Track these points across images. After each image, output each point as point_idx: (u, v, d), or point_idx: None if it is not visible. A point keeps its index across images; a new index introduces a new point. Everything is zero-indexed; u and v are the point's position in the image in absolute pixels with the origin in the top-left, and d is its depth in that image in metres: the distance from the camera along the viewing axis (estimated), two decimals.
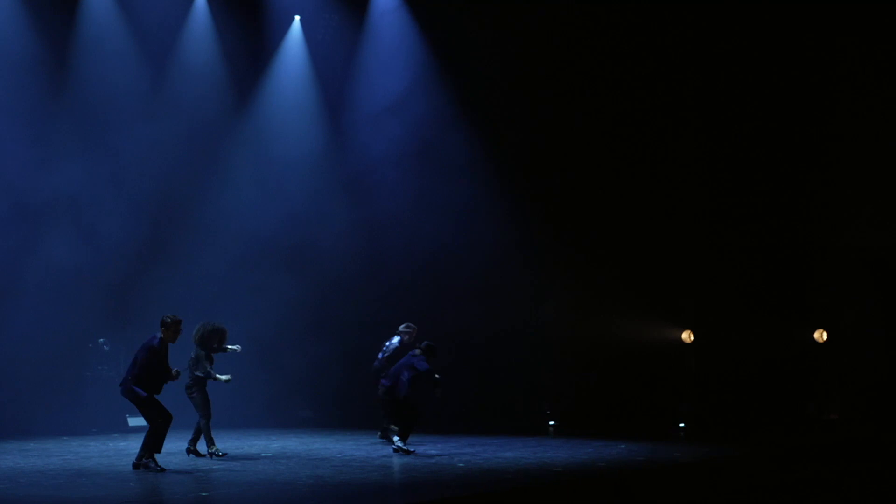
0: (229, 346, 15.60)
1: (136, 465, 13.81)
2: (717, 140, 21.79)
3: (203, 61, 21.41)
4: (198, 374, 15.10)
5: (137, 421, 19.25)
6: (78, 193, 20.07)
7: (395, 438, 15.90)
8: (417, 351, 16.22)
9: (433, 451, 16.29)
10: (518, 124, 22.16)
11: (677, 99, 21.71)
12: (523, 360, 21.99)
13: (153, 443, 13.83)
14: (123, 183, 20.57)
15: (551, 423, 21.39)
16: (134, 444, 15.58)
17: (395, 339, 17.59)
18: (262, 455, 15.96)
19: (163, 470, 13.61)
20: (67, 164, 19.91)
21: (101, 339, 20.30)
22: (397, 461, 15.16)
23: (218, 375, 15.19)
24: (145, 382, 13.89)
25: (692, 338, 21.88)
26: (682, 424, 20.80)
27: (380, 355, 17.68)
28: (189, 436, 15.54)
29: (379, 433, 17.73)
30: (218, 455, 15.17)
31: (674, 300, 22.13)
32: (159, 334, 14.06)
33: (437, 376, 15.97)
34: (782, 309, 21.82)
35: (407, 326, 17.54)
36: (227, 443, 17.01)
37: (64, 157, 19.96)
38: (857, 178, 21.26)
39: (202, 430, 15.34)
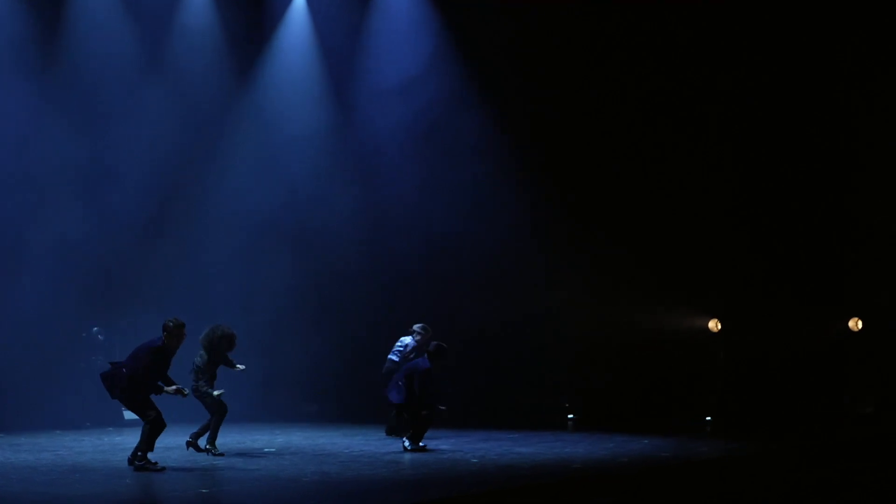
0: (238, 365, 15.50)
1: (130, 461, 13.81)
2: (747, 117, 21.67)
3: (201, 33, 21.36)
4: (199, 385, 15.10)
5: (133, 414, 19.26)
6: (67, 174, 20.03)
7: (406, 443, 15.78)
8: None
9: (445, 447, 16.29)
10: (533, 101, 22.04)
11: (703, 75, 21.58)
12: (539, 351, 21.92)
13: (146, 440, 13.78)
14: (116, 163, 20.52)
15: (570, 416, 21.38)
16: (130, 439, 15.60)
17: (409, 339, 17.59)
18: (266, 450, 15.98)
19: (162, 469, 13.60)
20: (57, 143, 19.88)
21: (95, 329, 20.29)
22: (408, 457, 15.16)
23: (211, 391, 15.16)
24: (141, 383, 13.82)
25: (719, 327, 21.82)
26: (708, 418, 20.77)
27: (392, 356, 17.61)
28: (193, 430, 15.50)
29: (385, 429, 17.73)
30: (214, 454, 15.15)
31: (700, 286, 22.01)
32: (162, 337, 13.96)
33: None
34: (815, 296, 21.72)
35: (423, 328, 17.51)
36: (228, 437, 17.01)
37: (53, 136, 19.91)
38: (892, 159, 21.15)
39: (210, 427, 15.30)
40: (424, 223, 22.09)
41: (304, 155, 22.22)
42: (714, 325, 21.86)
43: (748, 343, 21.68)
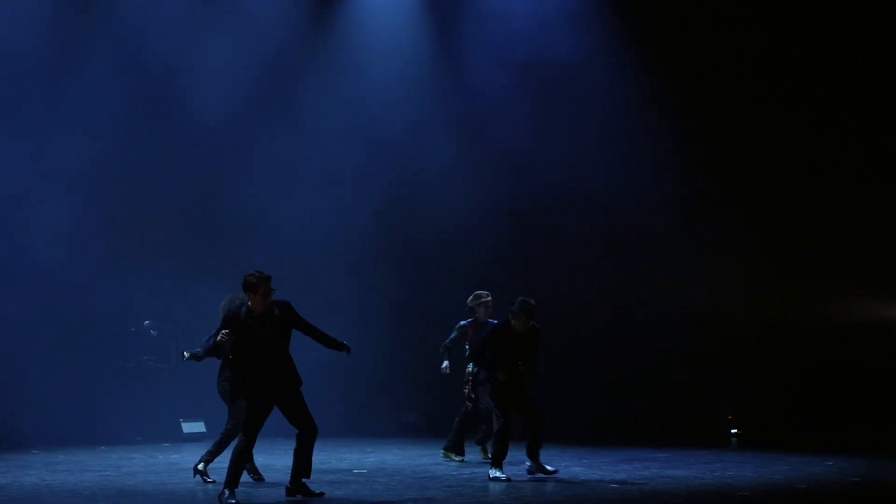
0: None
1: (290, 492, 13.61)
2: None
3: None
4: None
5: (192, 427, 19.39)
6: (111, 133, 20.36)
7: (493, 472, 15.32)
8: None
9: (577, 469, 16.21)
10: (693, 37, 21.96)
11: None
12: (690, 349, 21.89)
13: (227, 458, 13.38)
14: (171, 117, 20.84)
15: (734, 431, 21.36)
16: (189, 457, 15.74)
17: (463, 322, 17.31)
18: (355, 472, 16.05)
19: None
20: (98, 99, 20.23)
21: (147, 322, 20.51)
22: (532, 483, 14.99)
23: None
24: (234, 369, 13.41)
25: None
26: None
27: (470, 366, 17.25)
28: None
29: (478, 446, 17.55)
30: (205, 479, 14.86)
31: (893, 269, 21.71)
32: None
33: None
34: None
35: (475, 298, 17.18)
36: None
37: (96, 90, 20.26)
38: None
39: (219, 442, 14.91)
40: (540, 183, 22.20)
41: (397, 103, 22.33)
42: None
43: None
